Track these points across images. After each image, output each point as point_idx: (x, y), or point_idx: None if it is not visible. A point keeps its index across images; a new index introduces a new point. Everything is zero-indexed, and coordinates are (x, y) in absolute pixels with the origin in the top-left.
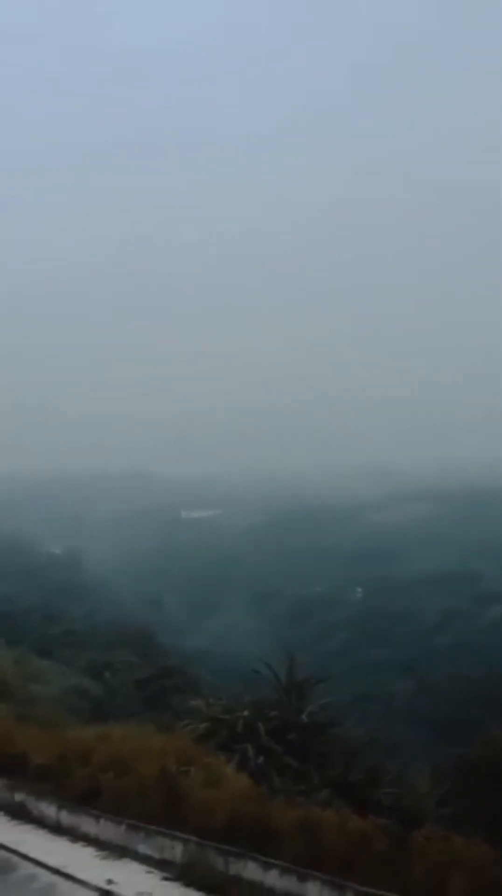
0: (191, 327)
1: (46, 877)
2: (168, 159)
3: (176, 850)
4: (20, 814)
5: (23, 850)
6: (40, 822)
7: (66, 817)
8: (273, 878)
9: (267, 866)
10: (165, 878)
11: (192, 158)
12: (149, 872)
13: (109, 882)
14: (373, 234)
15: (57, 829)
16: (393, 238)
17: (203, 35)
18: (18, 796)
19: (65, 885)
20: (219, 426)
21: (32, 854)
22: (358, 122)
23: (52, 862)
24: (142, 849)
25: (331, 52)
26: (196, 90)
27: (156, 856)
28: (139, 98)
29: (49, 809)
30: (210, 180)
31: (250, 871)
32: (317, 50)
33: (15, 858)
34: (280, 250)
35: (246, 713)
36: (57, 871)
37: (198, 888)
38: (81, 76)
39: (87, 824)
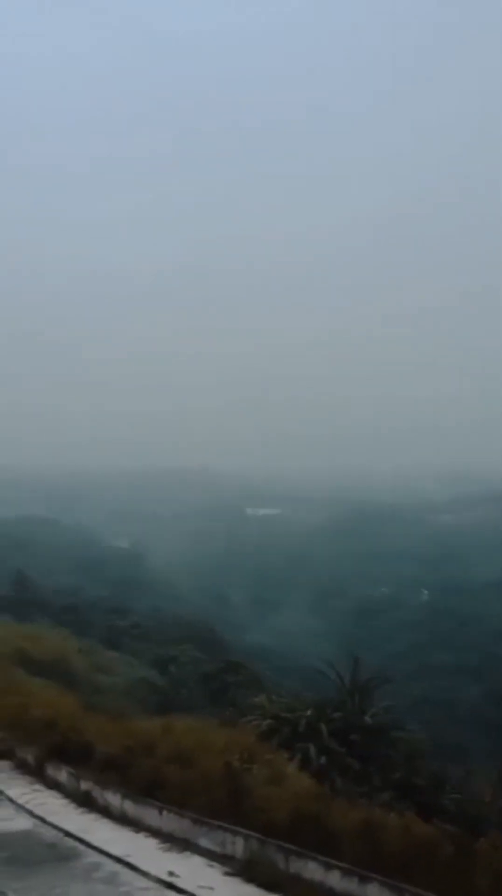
0: (256, 328)
1: (110, 866)
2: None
3: (237, 846)
4: (86, 802)
5: (88, 838)
6: (105, 811)
7: (130, 808)
8: (334, 879)
9: (328, 866)
10: (227, 874)
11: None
12: (210, 866)
13: (171, 874)
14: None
15: (121, 819)
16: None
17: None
18: (85, 785)
19: (127, 874)
20: (282, 424)
21: (97, 843)
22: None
23: (115, 851)
24: (204, 843)
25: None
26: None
27: (218, 850)
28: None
29: (114, 799)
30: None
31: (311, 870)
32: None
33: (80, 846)
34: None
35: (308, 712)
36: (120, 861)
37: (259, 885)
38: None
39: (151, 816)
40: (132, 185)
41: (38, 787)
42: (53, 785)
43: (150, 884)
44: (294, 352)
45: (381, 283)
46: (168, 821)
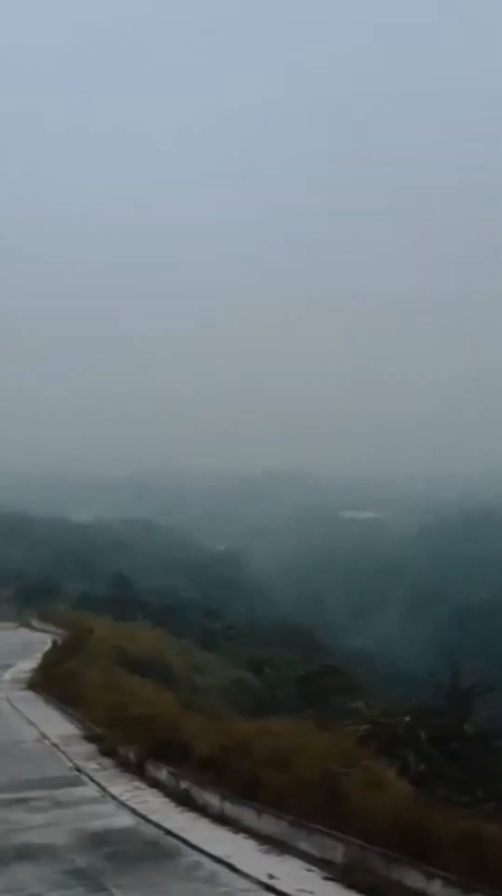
0: (346, 327)
1: (210, 865)
2: None
3: (337, 851)
4: (185, 801)
5: (188, 837)
6: (204, 811)
7: (229, 808)
8: (435, 888)
9: (430, 875)
10: (326, 878)
11: None
12: (309, 870)
13: (271, 877)
14: None
15: (220, 819)
16: None
17: None
18: (184, 784)
19: (227, 875)
20: (377, 426)
21: (197, 842)
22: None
23: (215, 851)
24: (304, 846)
25: None
26: None
27: (317, 854)
28: None
29: (213, 799)
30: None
31: (412, 878)
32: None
33: (181, 845)
34: None
35: (407, 718)
36: (220, 861)
37: (360, 891)
38: None
39: (249, 817)
40: None
41: (139, 784)
42: (154, 783)
43: (250, 885)
44: (400, 355)
45: None
46: (266, 823)
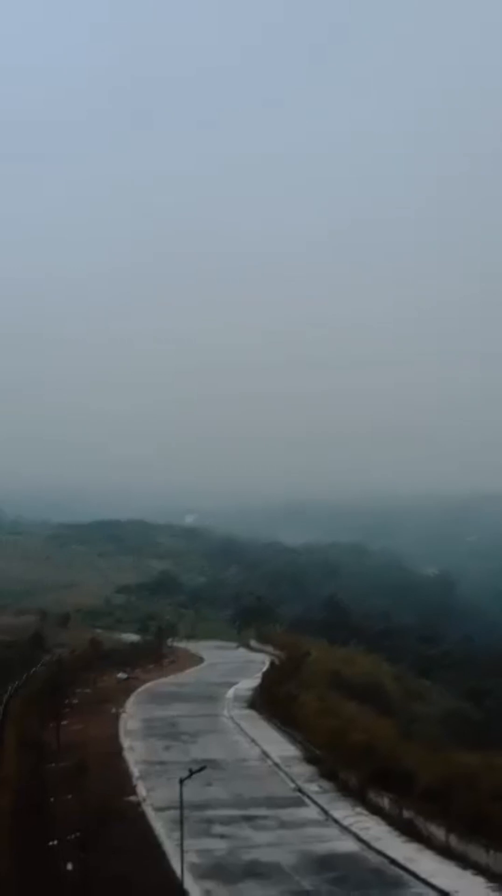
0: None
1: None
2: None
3: None
4: (409, 831)
5: (413, 868)
6: (428, 842)
7: (454, 842)
8: None
9: None
10: None
11: None
12: None
13: None
14: None
15: (445, 852)
16: None
17: None
18: (407, 813)
19: None
20: None
21: (423, 874)
22: None
23: (442, 885)
24: None
25: None
26: None
27: None
28: None
29: (437, 831)
30: None
31: None
32: None
33: (406, 876)
34: None
35: None
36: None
37: None
38: None
39: (477, 853)
40: None
41: (360, 810)
42: (375, 810)
43: None
44: None
45: None
46: (497, 860)
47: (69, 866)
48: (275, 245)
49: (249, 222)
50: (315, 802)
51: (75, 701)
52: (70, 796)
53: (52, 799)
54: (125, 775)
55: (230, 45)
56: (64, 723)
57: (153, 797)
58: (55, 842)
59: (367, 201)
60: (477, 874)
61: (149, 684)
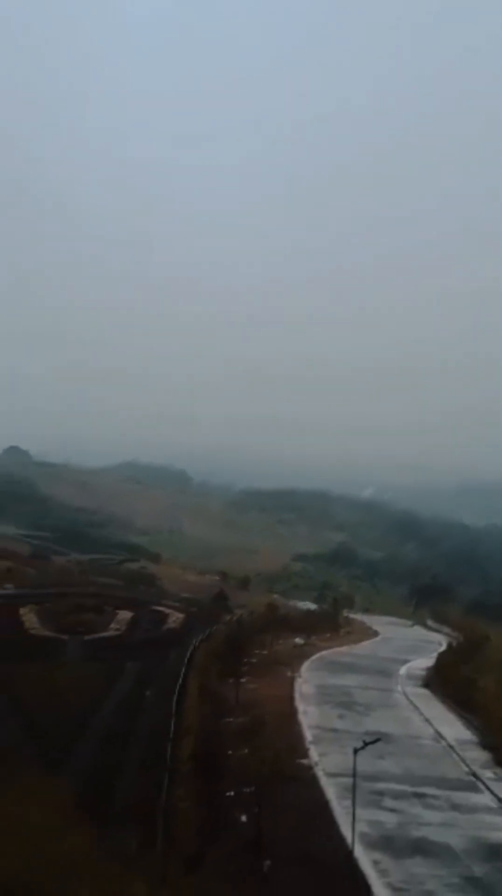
0: None
1: None
2: None
3: None
4: None
5: None
6: None
7: None
8: None
9: None
10: None
11: None
12: None
13: None
14: None
15: None
16: None
17: None
18: None
19: None
20: None
21: None
22: None
23: None
24: None
25: None
26: None
27: None
28: None
29: None
30: None
31: None
32: None
33: None
34: None
35: None
36: None
37: None
38: None
39: None
40: None
41: None
42: None
43: None
44: None
45: None
46: None
47: (243, 818)
48: None
49: None
50: (489, 789)
51: (253, 661)
52: (246, 751)
53: (229, 752)
54: (298, 738)
55: None
56: (242, 680)
57: (324, 763)
58: (231, 793)
59: None
60: None
61: (324, 652)
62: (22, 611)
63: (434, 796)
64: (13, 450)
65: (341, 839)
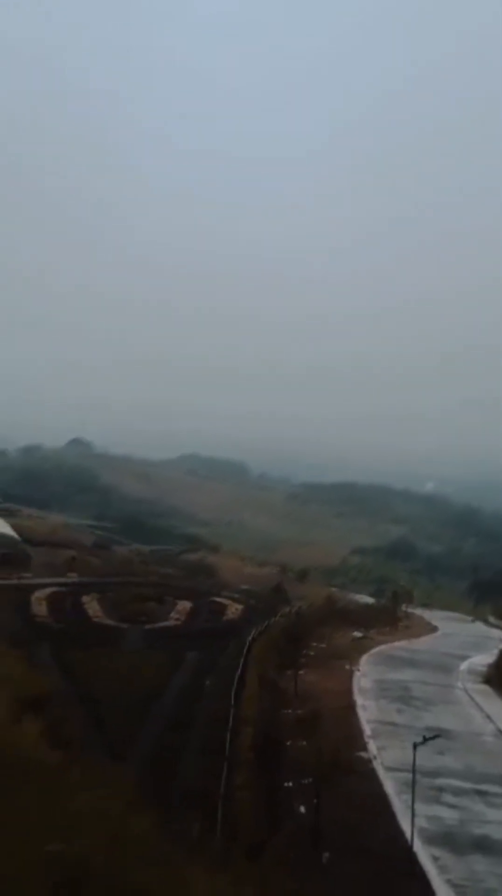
0: None
1: None
2: None
3: None
4: None
5: None
6: None
7: None
8: None
9: None
10: None
11: None
12: None
13: None
14: None
15: None
16: None
17: None
18: None
19: None
20: None
21: None
22: None
23: None
24: None
25: None
26: None
27: None
28: None
29: None
30: None
31: None
32: None
33: None
34: None
35: None
36: None
37: None
38: None
39: None
40: None
41: None
42: None
43: None
44: None
45: None
46: None
47: (302, 809)
48: None
49: None
50: None
51: (311, 653)
52: (304, 743)
53: (287, 743)
54: (357, 731)
55: None
56: (300, 672)
57: (383, 756)
58: (289, 783)
59: None
60: None
61: (382, 646)
62: (85, 599)
63: (496, 794)
64: (76, 442)
65: (400, 833)
